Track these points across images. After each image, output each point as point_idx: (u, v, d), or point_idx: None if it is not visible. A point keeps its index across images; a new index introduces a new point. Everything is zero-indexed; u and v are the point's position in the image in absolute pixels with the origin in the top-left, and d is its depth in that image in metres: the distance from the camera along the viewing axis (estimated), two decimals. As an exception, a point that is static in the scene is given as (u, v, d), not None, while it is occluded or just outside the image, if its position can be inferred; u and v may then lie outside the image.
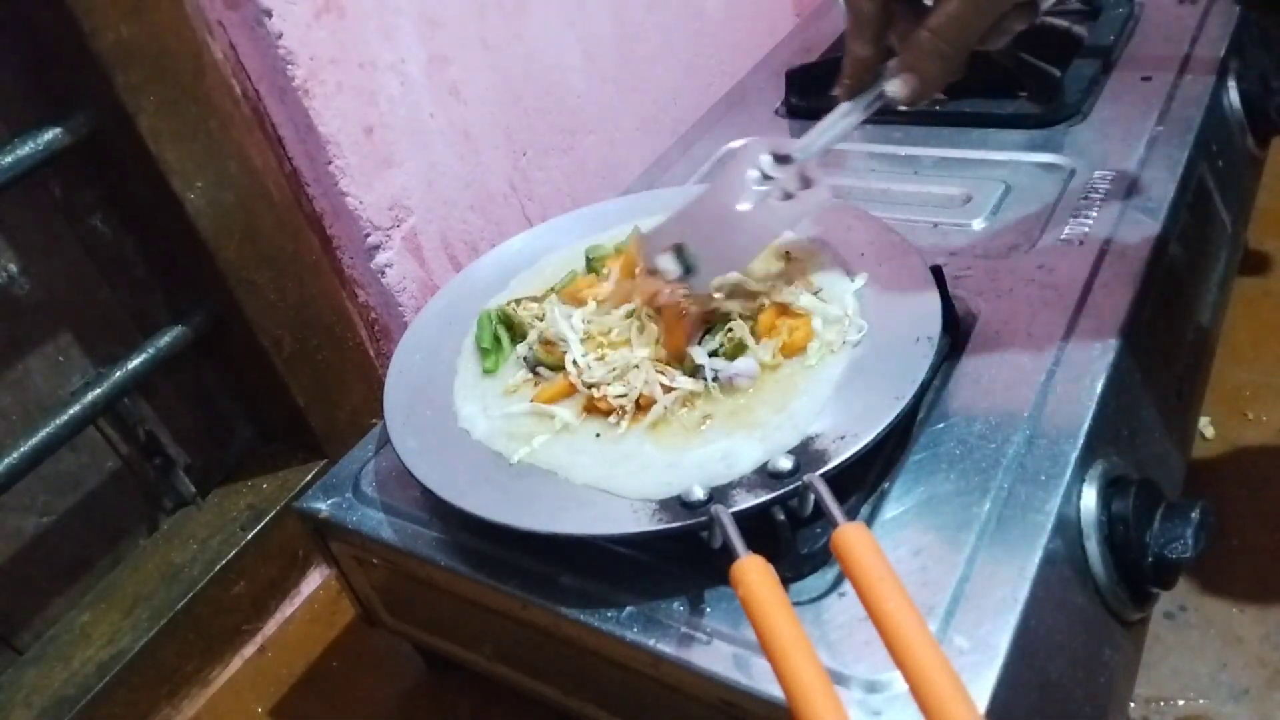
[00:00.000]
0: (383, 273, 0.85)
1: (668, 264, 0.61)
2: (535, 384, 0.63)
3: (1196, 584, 0.69)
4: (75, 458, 0.75)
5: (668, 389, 0.58)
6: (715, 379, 0.58)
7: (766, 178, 0.60)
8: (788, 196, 0.59)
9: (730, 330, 0.60)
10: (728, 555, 0.46)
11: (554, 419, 0.59)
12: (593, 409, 0.60)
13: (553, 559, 0.55)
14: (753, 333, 0.60)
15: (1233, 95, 0.86)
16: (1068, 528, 0.52)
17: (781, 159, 0.59)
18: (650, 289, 0.61)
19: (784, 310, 0.61)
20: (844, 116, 0.57)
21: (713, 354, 0.59)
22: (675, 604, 0.52)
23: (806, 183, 0.59)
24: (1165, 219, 0.69)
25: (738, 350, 0.59)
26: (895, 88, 0.54)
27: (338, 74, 0.76)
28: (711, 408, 0.57)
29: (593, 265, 0.71)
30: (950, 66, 0.52)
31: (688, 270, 0.60)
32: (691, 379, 0.58)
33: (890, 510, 0.53)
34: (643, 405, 0.58)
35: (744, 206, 0.59)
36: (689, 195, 0.62)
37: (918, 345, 0.56)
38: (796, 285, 0.63)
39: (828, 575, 0.51)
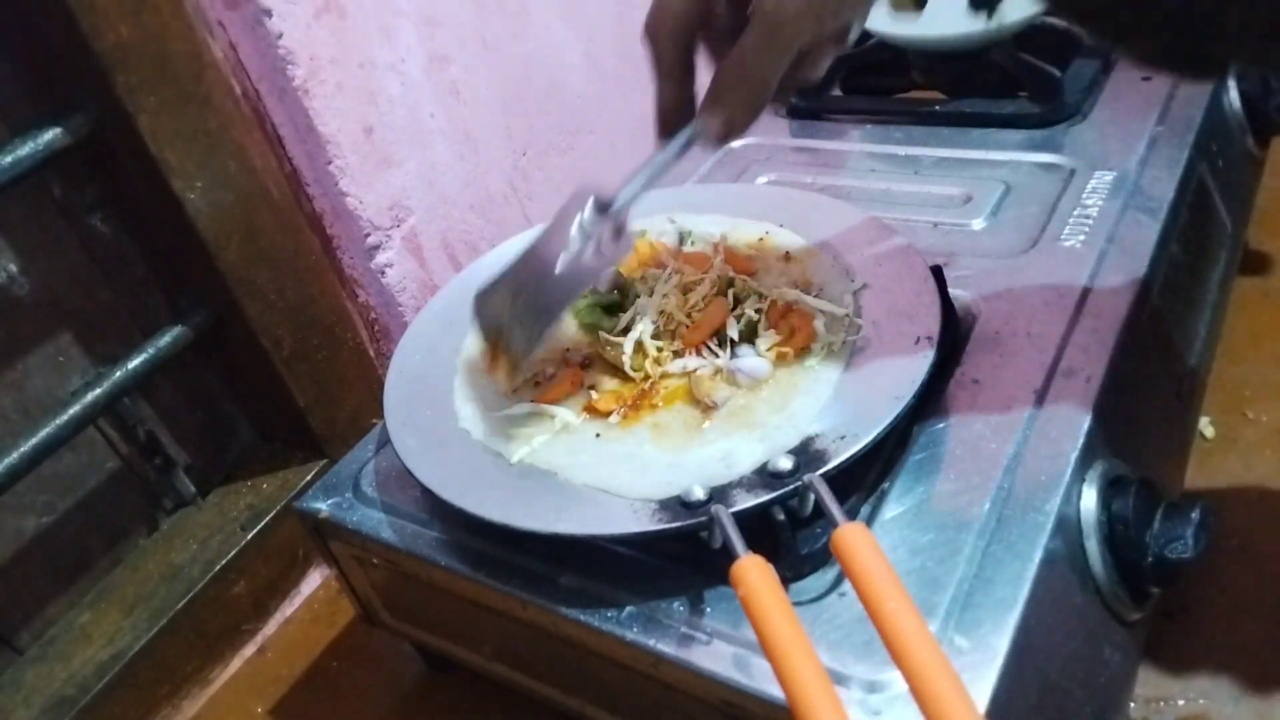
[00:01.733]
0: (383, 273, 0.85)
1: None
2: (536, 384, 0.63)
3: (1196, 584, 0.69)
4: (75, 458, 0.75)
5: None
6: (734, 356, 0.59)
7: (584, 230, 0.57)
8: (599, 252, 0.57)
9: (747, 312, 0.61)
10: (728, 555, 0.46)
11: (554, 419, 0.59)
12: (592, 410, 0.60)
13: (553, 559, 0.55)
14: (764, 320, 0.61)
15: (1233, 95, 0.86)
16: (1068, 528, 0.52)
17: (602, 207, 0.57)
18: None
19: (788, 310, 0.62)
20: (660, 159, 0.56)
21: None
22: (675, 604, 0.52)
23: (617, 234, 0.57)
24: (1165, 219, 0.69)
25: (751, 332, 0.60)
26: (703, 125, 0.52)
27: (338, 74, 0.76)
28: (727, 394, 0.58)
29: None
30: (755, 102, 0.50)
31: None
32: (713, 357, 0.59)
33: (890, 510, 0.53)
34: (643, 405, 0.59)
35: (558, 268, 0.57)
36: (522, 245, 0.60)
37: (918, 345, 0.56)
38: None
39: (828, 575, 0.51)
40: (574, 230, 0.56)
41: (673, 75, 0.54)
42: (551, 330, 0.58)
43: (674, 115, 0.54)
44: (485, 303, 0.60)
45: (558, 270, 0.56)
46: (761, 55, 0.49)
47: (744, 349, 0.59)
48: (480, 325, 0.60)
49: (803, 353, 0.59)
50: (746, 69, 0.49)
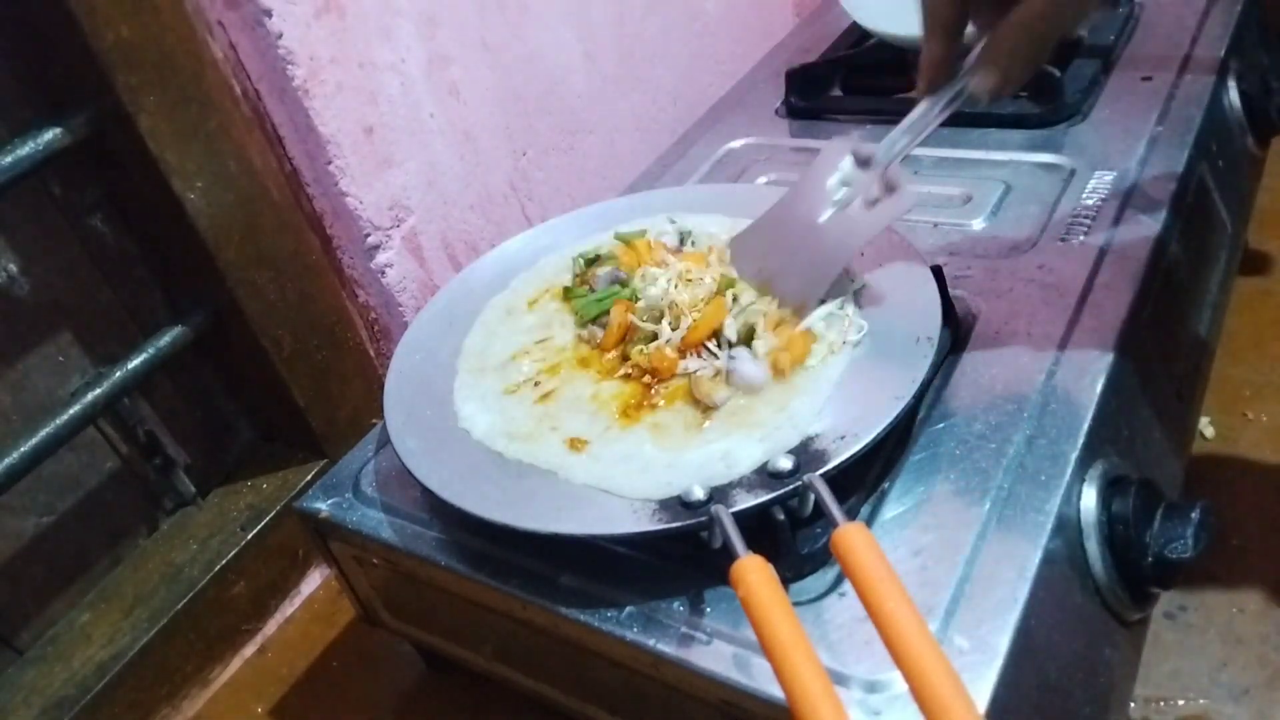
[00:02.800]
0: (383, 273, 0.85)
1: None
2: (536, 384, 0.63)
3: (1196, 584, 0.69)
4: (75, 458, 0.75)
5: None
6: (731, 356, 0.59)
7: (847, 184, 0.58)
8: (870, 204, 0.58)
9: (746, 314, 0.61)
10: (728, 555, 0.46)
11: (554, 419, 0.59)
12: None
13: (553, 559, 0.55)
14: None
15: (1233, 95, 0.86)
16: (1068, 528, 0.52)
17: (863, 162, 0.58)
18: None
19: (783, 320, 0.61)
20: (925, 115, 0.56)
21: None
22: (675, 604, 0.52)
23: (889, 188, 0.58)
24: (1165, 219, 0.69)
25: (749, 334, 0.60)
26: (978, 83, 0.52)
27: (338, 74, 0.76)
28: (726, 395, 0.58)
29: (583, 273, 0.71)
30: (1035, 61, 0.51)
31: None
32: (712, 358, 0.59)
33: (890, 510, 0.53)
34: (644, 405, 0.59)
35: (824, 218, 0.58)
36: (772, 199, 0.61)
37: (918, 345, 0.56)
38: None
39: (828, 575, 0.51)
40: (833, 184, 0.57)
41: (945, 32, 0.53)
42: (835, 275, 0.59)
43: (940, 72, 0.54)
44: (743, 256, 0.62)
45: (823, 219, 0.57)
46: (1050, 15, 0.49)
47: (740, 351, 0.59)
48: (744, 275, 0.62)
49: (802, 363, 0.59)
50: (1034, 26, 0.49)
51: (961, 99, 0.54)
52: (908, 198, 0.58)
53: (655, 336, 0.61)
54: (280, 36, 0.72)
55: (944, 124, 0.85)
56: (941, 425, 0.57)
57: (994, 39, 0.51)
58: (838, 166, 0.59)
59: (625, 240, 0.72)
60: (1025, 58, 0.51)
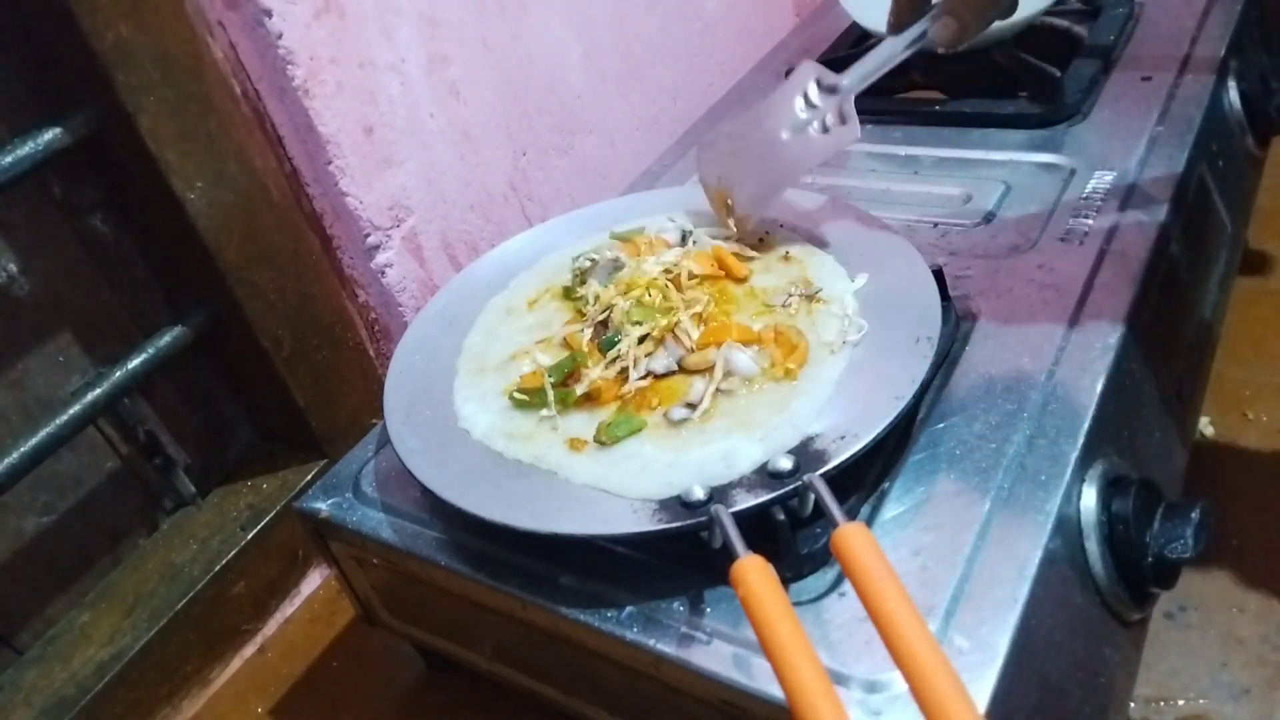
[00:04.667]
0: (383, 273, 0.85)
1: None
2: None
3: (1196, 584, 0.69)
4: (75, 458, 0.75)
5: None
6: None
7: (811, 106, 0.62)
8: (824, 130, 0.62)
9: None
10: (728, 555, 0.46)
11: (554, 419, 0.59)
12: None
13: (553, 559, 0.55)
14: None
15: (1233, 95, 0.86)
16: (1068, 528, 0.52)
17: (827, 89, 0.62)
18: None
19: (782, 332, 0.61)
20: (889, 51, 0.60)
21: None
22: (675, 604, 0.52)
23: (843, 117, 0.62)
24: (1165, 219, 0.69)
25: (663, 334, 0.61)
26: (937, 29, 0.57)
27: (338, 74, 0.76)
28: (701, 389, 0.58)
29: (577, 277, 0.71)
30: (989, 12, 0.55)
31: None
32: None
33: (890, 510, 0.53)
34: (642, 404, 0.59)
35: (785, 134, 0.62)
36: (743, 115, 0.66)
37: (918, 345, 0.56)
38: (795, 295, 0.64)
39: (828, 575, 0.51)
40: (799, 104, 0.62)
41: None
42: (782, 192, 0.64)
43: (907, 12, 0.59)
44: (706, 158, 0.66)
45: (784, 136, 0.62)
46: None
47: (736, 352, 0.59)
48: (704, 179, 0.67)
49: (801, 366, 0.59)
50: None
51: (921, 42, 0.58)
52: (853, 130, 0.62)
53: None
54: (280, 36, 0.72)
55: (944, 124, 0.86)
56: (941, 425, 0.57)
57: None
58: (804, 89, 0.63)
59: (623, 239, 0.72)
60: (980, 7, 0.55)
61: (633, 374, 0.59)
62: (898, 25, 0.59)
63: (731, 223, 0.68)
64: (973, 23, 0.56)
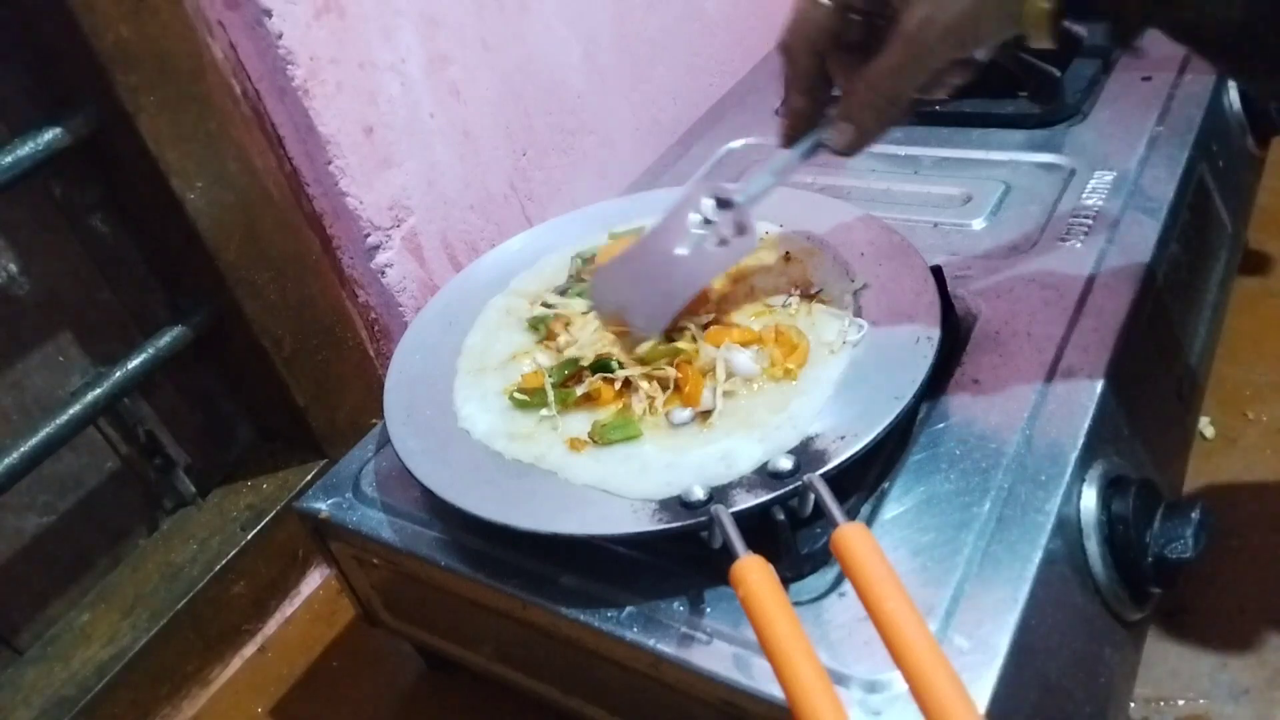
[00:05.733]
0: (383, 273, 0.85)
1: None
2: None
3: (1196, 584, 0.69)
4: (75, 458, 0.75)
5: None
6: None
7: (708, 221, 0.61)
8: (723, 242, 0.61)
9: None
10: (728, 555, 0.46)
11: (554, 419, 0.59)
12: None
13: (553, 559, 0.55)
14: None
15: (1233, 95, 0.86)
16: (1068, 528, 0.52)
17: (723, 204, 0.61)
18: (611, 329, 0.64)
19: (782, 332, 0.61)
20: (785, 163, 0.58)
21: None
22: (675, 604, 0.52)
23: (741, 229, 0.61)
24: (1165, 219, 0.69)
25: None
26: (833, 136, 0.55)
27: (338, 74, 0.76)
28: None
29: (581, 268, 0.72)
30: (887, 117, 0.53)
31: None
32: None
33: (890, 510, 0.53)
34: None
35: (681, 251, 0.61)
36: (640, 234, 0.65)
37: (918, 345, 0.57)
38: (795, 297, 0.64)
39: (828, 575, 0.51)
40: (695, 222, 0.61)
41: (805, 87, 0.56)
42: (679, 308, 0.62)
43: (801, 124, 0.57)
44: (603, 287, 0.66)
45: (681, 253, 0.61)
46: (900, 74, 0.50)
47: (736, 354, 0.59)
48: (600, 306, 0.66)
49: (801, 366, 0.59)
50: (883, 86, 0.51)
51: (818, 150, 0.57)
52: (751, 240, 0.61)
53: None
54: (280, 36, 0.71)
55: (944, 124, 0.86)
56: (941, 425, 0.57)
57: (846, 95, 0.54)
58: (700, 205, 0.61)
59: (621, 239, 0.72)
60: (878, 113, 0.52)
61: (640, 393, 0.59)
62: (790, 138, 0.58)
63: (627, 348, 0.63)
64: (872, 126, 0.53)
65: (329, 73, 0.75)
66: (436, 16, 0.83)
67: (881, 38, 0.50)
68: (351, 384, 0.86)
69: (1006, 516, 0.51)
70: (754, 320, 0.62)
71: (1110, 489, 0.54)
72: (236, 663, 0.82)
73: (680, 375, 0.59)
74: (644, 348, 0.61)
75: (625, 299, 0.63)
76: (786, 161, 0.58)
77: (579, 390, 0.60)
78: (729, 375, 0.58)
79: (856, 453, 0.51)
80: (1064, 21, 0.49)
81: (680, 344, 0.61)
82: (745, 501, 0.50)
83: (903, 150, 0.84)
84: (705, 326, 0.62)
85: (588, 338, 0.63)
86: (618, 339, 0.63)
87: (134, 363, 0.73)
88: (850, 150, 0.54)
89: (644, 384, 0.59)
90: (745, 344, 0.60)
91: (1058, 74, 0.84)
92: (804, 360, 0.59)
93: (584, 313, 0.66)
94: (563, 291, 0.69)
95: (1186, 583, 0.69)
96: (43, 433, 0.68)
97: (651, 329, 0.62)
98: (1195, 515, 0.53)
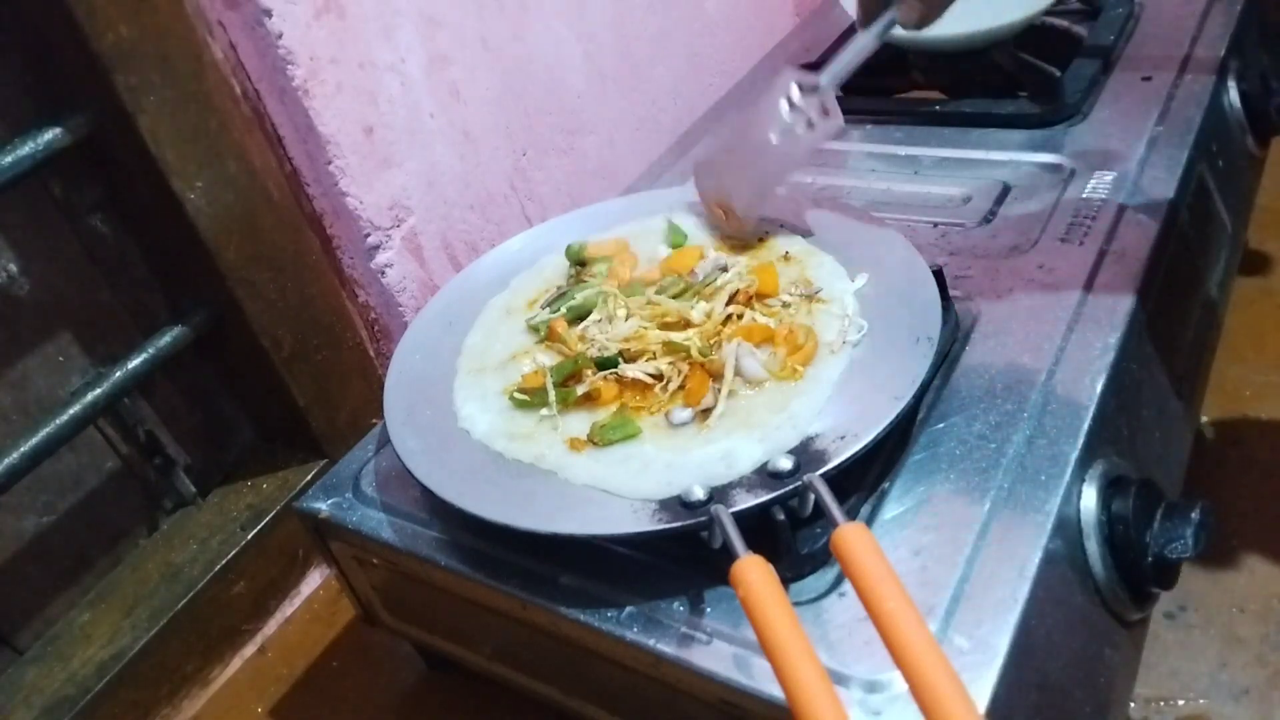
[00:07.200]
0: (383, 273, 0.85)
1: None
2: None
3: (1196, 584, 0.69)
4: (75, 458, 0.75)
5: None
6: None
7: (793, 107, 0.66)
8: (810, 125, 0.66)
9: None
10: (728, 555, 0.46)
11: (554, 419, 0.59)
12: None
13: (553, 559, 0.55)
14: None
15: (1233, 95, 0.86)
16: (1068, 528, 0.52)
17: (807, 89, 0.66)
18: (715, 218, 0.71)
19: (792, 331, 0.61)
20: (861, 44, 0.64)
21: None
22: (675, 604, 0.52)
23: (825, 112, 0.66)
24: (1165, 219, 0.69)
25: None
26: (905, 13, 0.61)
27: (338, 74, 0.76)
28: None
29: (576, 257, 0.72)
30: None
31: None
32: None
33: (890, 510, 0.53)
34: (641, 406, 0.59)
35: (774, 138, 0.66)
36: (732, 123, 0.73)
37: (918, 345, 0.56)
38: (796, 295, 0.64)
39: (828, 575, 0.51)
40: (783, 108, 0.66)
41: None
42: (776, 188, 0.69)
43: (875, 6, 0.63)
44: (704, 173, 0.72)
45: (774, 140, 0.66)
46: None
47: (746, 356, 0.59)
48: (704, 193, 0.72)
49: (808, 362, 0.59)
50: None
51: (891, 28, 0.63)
52: (836, 120, 0.66)
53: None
54: (280, 36, 0.71)
55: (944, 124, 0.86)
56: (941, 425, 0.57)
57: None
58: (787, 93, 0.67)
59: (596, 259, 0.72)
60: None
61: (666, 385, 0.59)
62: (866, 18, 0.63)
63: (732, 227, 0.70)
64: (937, 2, 0.59)
65: (329, 73, 0.75)
66: (436, 16, 0.83)
67: None
68: (351, 384, 0.86)
69: (1006, 516, 0.51)
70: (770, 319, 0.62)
71: (1110, 489, 0.54)
72: (236, 663, 0.82)
73: (688, 373, 0.59)
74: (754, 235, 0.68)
75: (725, 185, 0.69)
76: (865, 42, 0.64)
77: (579, 390, 0.60)
78: (734, 375, 0.58)
79: (856, 453, 0.51)
80: None
81: (690, 336, 0.61)
82: (745, 501, 0.50)
83: (903, 150, 0.84)
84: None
85: (619, 330, 0.63)
86: (722, 218, 0.70)
87: (134, 363, 0.73)
88: (920, 24, 0.60)
89: (664, 365, 0.60)
90: (761, 342, 0.60)
91: (1058, 74, 0.84)
92: (810, 359, 0.59)
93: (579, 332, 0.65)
94: (559, 296, 0.69)
95: (1186, 583, 0.69)
96: (43, 433, 0.68)
97: (752, 212, 0.68)
98: (1195, 515, 0.53)
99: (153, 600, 0.77)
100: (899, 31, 0.64)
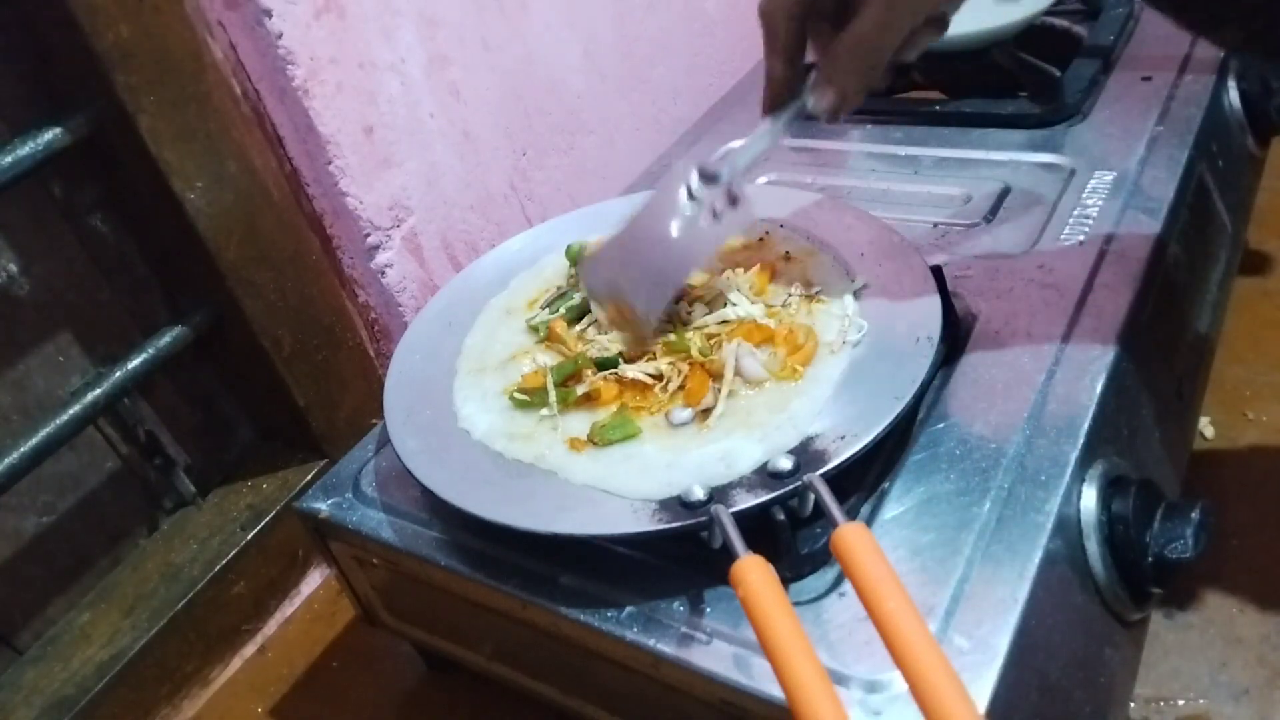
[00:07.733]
0: (383, 273, 0.85)
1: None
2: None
3: (1196, 584, 0.69)
4: (75, 458, 0.75)
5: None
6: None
7: (693, 198, 0.60)
8: (716, 216, 0.60)
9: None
10: (728, 555, 0.46)
11: (554, 419, 0.59)
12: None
13: (553, 559, 0.55)
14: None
15: (1233, 95, 0.86)
16: (1068, 528, 0.52)
17: (708, 178, 0.60)
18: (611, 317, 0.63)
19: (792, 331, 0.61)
20: (767, 132, 0.58)
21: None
22: (675, 604, 0.52)
23: (733, 200, 0.60)
24: (1165, 219, 0.69)
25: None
26: (814, 101, 0.55)
27: (338, 74, 0.76)
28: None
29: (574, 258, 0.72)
30: (866, 80, 0.53)
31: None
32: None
33: (890, 510, 0.53)
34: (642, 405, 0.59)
35: (673, 230, 0.60)
36: (625, 215, 0.63)
37: (918, 345, 0.56)
38: (796, 294, 0.64)
39: (828, 575, 0.51)
40: (683, 199, 0.59)
41: (785, 53, 0.56)
42: (678, 287, 0.62)
43: (782, 91, 0.57)
44: (594, 270, 0.64)
45: (674, 234, 0.59)
46: (879, 33, 0.51)
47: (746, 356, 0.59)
48: (594, 291, 0.63)
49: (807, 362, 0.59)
50: (863, 48, 0.52)
51: (800, 117, 0.57)
52: (749, 209, 0.60)
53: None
54: (280, 36, 0.71)
55: (944, 124, 0.86)
56: (941, 425, 0.57)
57: (827, 59, 0.54)
58: (686, 182, 0.60)
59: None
60: (858, 76, 0.53)
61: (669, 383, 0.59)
62: (774, 103, 0.57)
63: (629, 334, 0.63)
64: (853, 89, 0.53)
65: (329, 73, 0.75)
66: (436, 16, 0.83)
67: (857, 2, 0.51)
68: (351, 384, 0.86)
69: (1006, 516, 0.51)
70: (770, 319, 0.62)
71: (1110, 489, 0.54)
72: (236, 663, 0.82)
73: (688, 373, 0.59)
74: (655, 340, 0.61)
75: (620, 283, 0.61)
76: (769, 129, 0.58)
77: (579, 390, 0.60)
78: (734, 375, 0.58)
79: (856, 453, 0.51)
80: None
81: (691, 336, 0.61)
82: (745, 501, 0.50)
83: (903, 150, 0.84)
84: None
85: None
86: (618, 327, 0.62)
87: (134, 363, 0.73)
88: (832, 115, 0.54)
89: (664, 365, 0.59)
90: (761, 342, 0.60)
91: (1058, 74, 0.84)
92: (810, 359, 0.59)
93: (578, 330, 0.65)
94: (559, 296, 0.69)
95: (1186, 583, 0.69)
96: (43, 433, 0.68)
97: (651, 312, 0.61)
98: (1195, 515, 0.53)
99: (152, 600, 0.77)
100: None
